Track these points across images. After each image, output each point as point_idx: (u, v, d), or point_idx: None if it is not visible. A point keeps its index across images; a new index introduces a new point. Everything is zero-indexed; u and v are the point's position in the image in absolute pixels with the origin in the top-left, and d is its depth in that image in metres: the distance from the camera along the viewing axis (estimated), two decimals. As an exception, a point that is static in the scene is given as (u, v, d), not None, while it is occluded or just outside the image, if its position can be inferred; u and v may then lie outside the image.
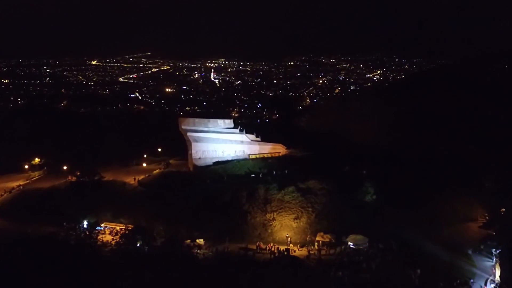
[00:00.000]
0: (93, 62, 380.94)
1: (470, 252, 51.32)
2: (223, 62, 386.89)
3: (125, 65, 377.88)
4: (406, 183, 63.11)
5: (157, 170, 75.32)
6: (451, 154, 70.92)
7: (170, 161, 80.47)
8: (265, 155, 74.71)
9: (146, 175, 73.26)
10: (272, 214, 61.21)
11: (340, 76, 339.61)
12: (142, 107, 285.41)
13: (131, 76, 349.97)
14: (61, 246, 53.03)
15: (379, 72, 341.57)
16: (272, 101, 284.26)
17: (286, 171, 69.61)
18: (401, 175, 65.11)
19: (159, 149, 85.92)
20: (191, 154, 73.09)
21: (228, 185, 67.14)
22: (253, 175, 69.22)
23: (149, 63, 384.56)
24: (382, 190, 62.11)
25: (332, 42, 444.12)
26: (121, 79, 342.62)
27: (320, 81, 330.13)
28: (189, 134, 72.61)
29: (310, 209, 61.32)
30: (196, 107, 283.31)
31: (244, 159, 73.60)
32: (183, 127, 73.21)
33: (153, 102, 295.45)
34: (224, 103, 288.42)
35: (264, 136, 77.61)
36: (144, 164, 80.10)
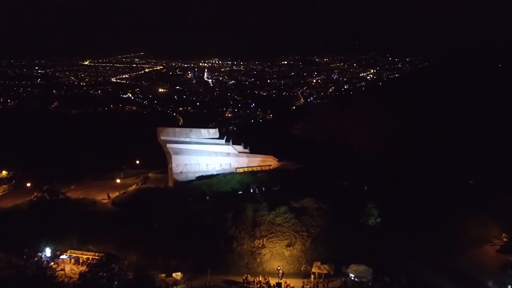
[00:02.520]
0: (86, 62, 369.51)
1: (490, 284, 43.16)
2: (217, 62, 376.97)
3: (118, 65, 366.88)
4: (413, 200, 54.51)
5: (133, 186, 65.80)
6: (460, 165, 62.32)
7: (150, 174, 70.95)
8: (254, 169, 65.14)
9: (121, 192, 63.78)
10: (261, 240, 51.97)
11: (334, 75, 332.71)
12: (134, 108, 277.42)
13: (123, 76, 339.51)
14: (17, 280, 44.56)
15: (372, 71, 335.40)
16: (266, 100, 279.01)
17: (277, 187, 60.41)
18: (407, 191, 56.35)
19: (137, 161, 75.95)
20: (171, 168, 63.70)
21: (212, 204, 57.97)
22: (241, 192, 59.97)
23: (142, 63, 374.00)
24: (387, 211, 53.08)
25: (326, 41, 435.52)
26: (113, 80, 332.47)
27: (314, 81, 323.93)
28: (169, 145, 63.07)
29: (305, 233, 52.13)
30: (189, 107, 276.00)
31: (231, 173, 64.17)
32: (162, 137, 63.55)
33: (145, 102, 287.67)
34: (218, 103, 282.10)
35: (253, 146, 67.87)
36: (118, 180, 69.69)
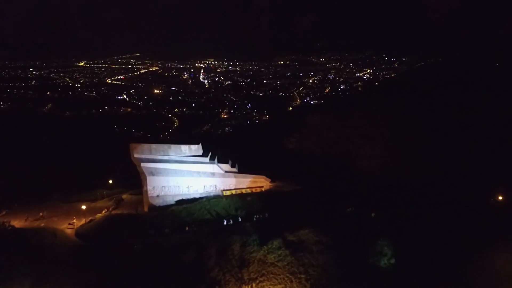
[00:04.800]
0: (81, 64, 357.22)
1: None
2: (213, 62, 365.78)
3: (114, 66, 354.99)
4: (433, 233, 44.21)
5: (103, 212, 55.04)
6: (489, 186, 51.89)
7: (124, 196, 60.15)
8: (244, 191, 54.40)
9: (88, 219, 53.07)
10: (250, 285, 41.65)
11: (330, 75, 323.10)
12: (129, 109, 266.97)
13: (119, 77, 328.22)
14: None
15: (369, 70, 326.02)
16: (262, 101, 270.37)
17: (270, 215, 49.96)
18: (425, 220, 46.05)
19: (110, 181, 64.89)
20: (146, 191, 53.10)
21: (192, 237, 47.54)
22: (227, 221, 49.47)
23: (138, 64, 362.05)
24: (401, 247, 42.65)
25: (322, 41, 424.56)
26: (108, 81, 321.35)
27: (310, 81, 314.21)
28: (143, 165, 52.37)
29: (302, 276, 41.74)
30: (185, 109, 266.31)
31: (216, 197, 53.44)
32: (136, 155, 52.77)
33: (141, 104, 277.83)
34: (214, 104, 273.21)
35: (243, 164, 57.02)
36: (83, 207, 58.13)
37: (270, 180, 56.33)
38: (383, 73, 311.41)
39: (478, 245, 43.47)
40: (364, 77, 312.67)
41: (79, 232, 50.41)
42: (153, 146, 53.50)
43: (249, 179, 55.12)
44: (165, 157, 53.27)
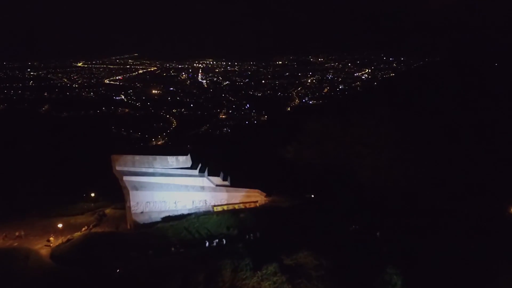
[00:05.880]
0: (79, 64, 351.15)
1: None
2: (211, 63, 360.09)
3: (112, 66, 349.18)
4: (445, 253, 38.78)
5: (83, 229, 49.48)
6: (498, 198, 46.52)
7: (107, 210, 54.59)
8: (236, 207, 48.89)
9: (65, 239, 47.54)
10: (241, 318, 36.24)
11: (329, 75, 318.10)
12: (127, 110, 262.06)
13: (117, 78, 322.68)
14: None
15: (367, 70, 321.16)
16: (261, 101, 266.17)
17: (265, 235, 44.49)
18: (438, 241, 40.65)
19: (92, 194, 59.21)
20: (129, 207, 47.61)
21: (179, 260, 42.05)
22: (217, 241, 44.00)
23: (136, 64, 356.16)
24: (412, 274, 37.20)
25: (320, 41, 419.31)
26: (106, 81, 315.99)
27: (309, 81, 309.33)
28: (126, 178, 46.85)
29: (301, 307, 36.40)
30: (183, 109, 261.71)
31: (206, 213, 47.96)
32: (117, 168, 47.29)
33: (138, 104, 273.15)
34: (212, 104, 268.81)
35: (236, 177, 51.41)
36: (60, 225, 50.75)
37: (265, 194, 50.75)
38: (381, 73, 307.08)
39: (500, 272, 38.19)
40: (363, 77, 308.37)
41: (54, 254, 44.88)
42: (137, 157, 47.88)
43: (242, 194, 49.54)
44: (150, 170, 47.70)
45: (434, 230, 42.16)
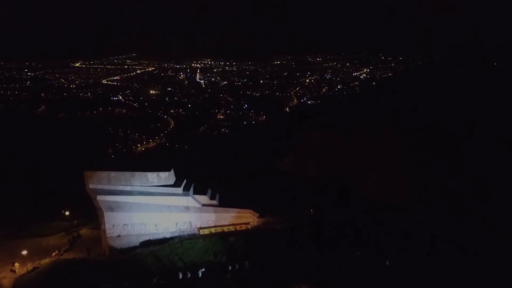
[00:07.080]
0: (77, 64, 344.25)
1: None
2: (209, 62, 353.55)
3: (110, 66, 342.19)
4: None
5: (54, 254, 43.28)
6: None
7: (83, 230, 48.30)
8: (226, 229, 42.75)
9: (31, 267, 41.27)
10: None
11: (327, 75, 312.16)
12: (124, 111, 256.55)
13: (114, 78, 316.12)
14: None
15: (366, 70, 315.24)
16: (259, 101, 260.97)
17: (256, 263, 38.27)
18: (453, 269, 34.61)
19: (67, 213, 52.92)
20: (104, 230, 41.40)
21: (157, 295, 35.93)
22: (203, 271, 37.78)
23: (134, 65, 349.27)
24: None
25: (319, 41, 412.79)
26: (104, 82, 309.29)
27: (307, 81, 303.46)
28: (100, 198, 40.63)
29: None
30: (180, 109, 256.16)
31: (191, 237, 41.71)
32: (91, 186, 41.10)
33: (136, 105, 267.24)
34: (210, 104, 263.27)
35: (224, 195, 45.15)
36: (24, 252, 43.83)
37: (258, 215, 44.43)
38: (380, 73, 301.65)
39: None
40: (361, 77, 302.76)
41: (16, 286, 38.68)
42: (112, 174, 41.47)
43: (232, 214, 43.21)
44: (128, 188, 41.39)
45: (452, 257, 36.03)
